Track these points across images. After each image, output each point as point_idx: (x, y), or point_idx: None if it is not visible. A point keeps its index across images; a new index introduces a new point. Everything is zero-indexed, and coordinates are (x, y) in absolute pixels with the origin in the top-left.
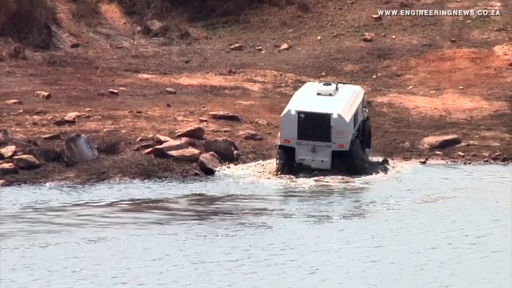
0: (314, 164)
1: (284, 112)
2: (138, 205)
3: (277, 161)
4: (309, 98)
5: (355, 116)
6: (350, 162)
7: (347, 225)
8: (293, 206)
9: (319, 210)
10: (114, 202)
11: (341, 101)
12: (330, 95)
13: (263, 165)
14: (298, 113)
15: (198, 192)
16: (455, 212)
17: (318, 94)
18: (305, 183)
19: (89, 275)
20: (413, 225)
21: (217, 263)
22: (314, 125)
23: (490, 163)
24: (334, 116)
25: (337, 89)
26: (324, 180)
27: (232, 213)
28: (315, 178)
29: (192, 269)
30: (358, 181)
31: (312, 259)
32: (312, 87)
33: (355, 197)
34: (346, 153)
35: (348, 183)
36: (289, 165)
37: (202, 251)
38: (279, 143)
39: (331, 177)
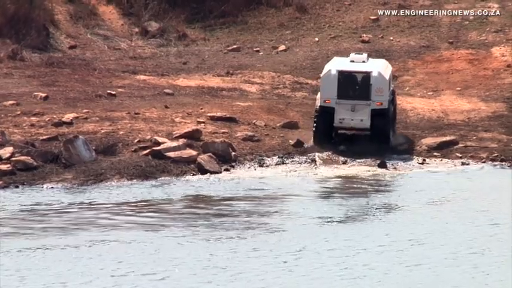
0: (353, 123)
1: (324, 72)
2: (138, 207)
3: (313, 127)
4: (344, 63)
5: (389, 80)
6: (387, 121)
7: (374, 226)
8: (300, 207)
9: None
10: (113, 204)
11: (375, 64)
12: (363, 61)
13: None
14: (339, 72)
15: (196, 193)
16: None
17: (352, 61)
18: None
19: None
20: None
21: (238, 265)
22: (354, 84)
23: (488, 164)
24: (374, 73)
25: (368, 58)
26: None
27: (239, 215)
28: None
29: (221, 271)
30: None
31: (340, 261)
32: (342, 58)
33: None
34: (384, 112)
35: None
36: (325, 131)
37: (222, 254)
38: (319, 104)
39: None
